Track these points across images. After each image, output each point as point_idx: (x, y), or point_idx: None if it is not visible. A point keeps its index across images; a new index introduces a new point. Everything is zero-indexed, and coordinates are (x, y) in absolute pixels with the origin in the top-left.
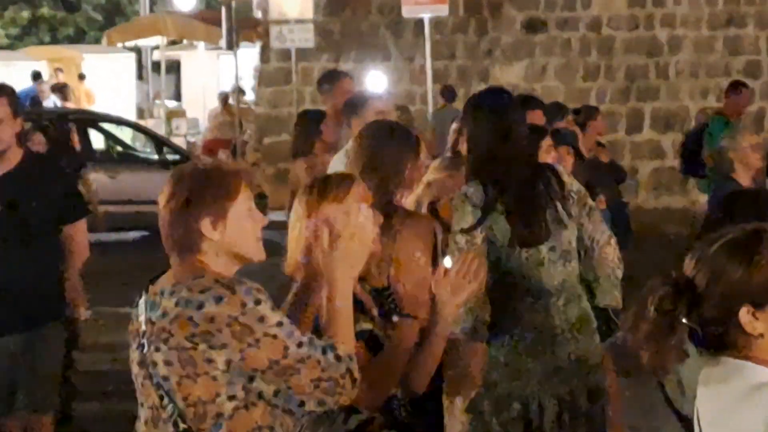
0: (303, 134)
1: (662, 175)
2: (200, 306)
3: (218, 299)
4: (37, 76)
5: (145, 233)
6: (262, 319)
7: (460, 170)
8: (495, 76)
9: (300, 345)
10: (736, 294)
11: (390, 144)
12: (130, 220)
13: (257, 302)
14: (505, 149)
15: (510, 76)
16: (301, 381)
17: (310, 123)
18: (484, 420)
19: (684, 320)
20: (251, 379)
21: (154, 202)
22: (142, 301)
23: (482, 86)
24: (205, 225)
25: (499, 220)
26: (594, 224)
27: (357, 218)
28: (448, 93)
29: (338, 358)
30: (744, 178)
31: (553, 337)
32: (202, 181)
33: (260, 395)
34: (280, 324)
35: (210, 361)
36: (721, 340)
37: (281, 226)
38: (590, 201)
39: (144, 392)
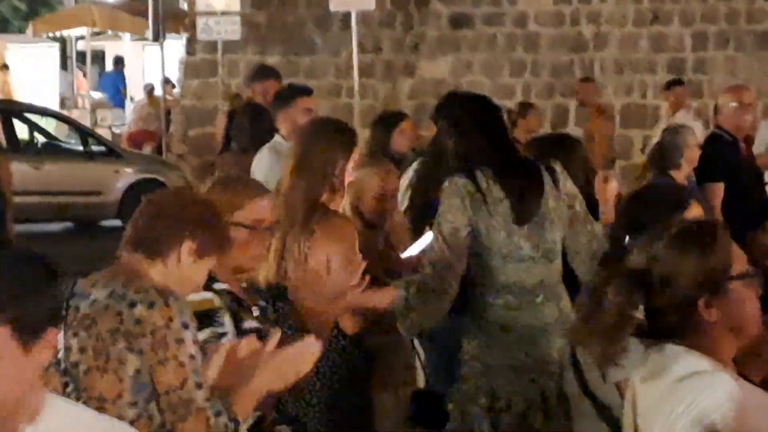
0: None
1: None
2: (132, 305)
3: (151, 304)
4: (118, 61)
5: (69, 225)
6: (180, 342)
7: (383, 164)
8: (421, 71)
9: (199, 387)
10: (692, 285)
11: (319, 145)
12: (54, 211)
13: (184, 325)
14: (500, 140)
15: (436, 70)
16: (186, 428)
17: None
18: (455, 413)
19: (638, 313)
20: (149, 399)
21: (79, 194)
22: (65, 291)
23: (408, 80)
24: (186, 248)
25: (498, 205)
26: (575, 229)
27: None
28: None
29: (226, 426)
30: (681, 175)
31: (528, 336)
32: (215, 221)
33: (151, 419)
34: (192, 357)
35: (122, 362)
36: (672, 329)
37: None
38: (578, 205)
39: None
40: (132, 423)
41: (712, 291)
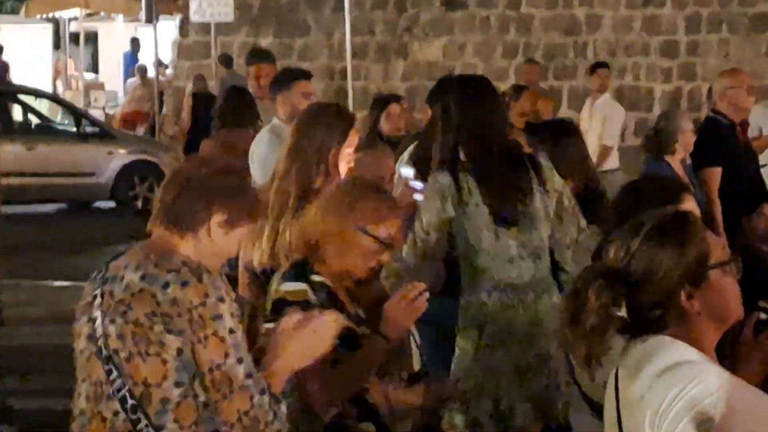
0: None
1: None
2: (166, 286)
3: (184, 283)
4: (135, 42)
5: (63, 206)
6: (218, 317)
7: (378, 149)
8: (414, 53)
9: (240, 362)
10: (673, 278)
11: (315, 130)
12: (48, 192)
13: (220, 299)
14: (491, 136)
15: (429, 53)
16: (230, 406)
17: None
18: (453, 412)
19: (621, 311)
20: (193, 378)
21: (72, 175)
22: (99, 276)
23: (401, 63)
24: (216, 220)
25: (477, 208)
26: (564, 224)
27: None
28: (225, 60)
29: (269, 404)
30: (676, 160)
31: (522, 332)
32: (243, 190)
33: (195, 397)
34: (231, 331)
35: (162, 344)
36: (655, 323)
37: None
38: (566, 199)
39: (88, 367)
40: (178, 404)
41: (692, 282)
